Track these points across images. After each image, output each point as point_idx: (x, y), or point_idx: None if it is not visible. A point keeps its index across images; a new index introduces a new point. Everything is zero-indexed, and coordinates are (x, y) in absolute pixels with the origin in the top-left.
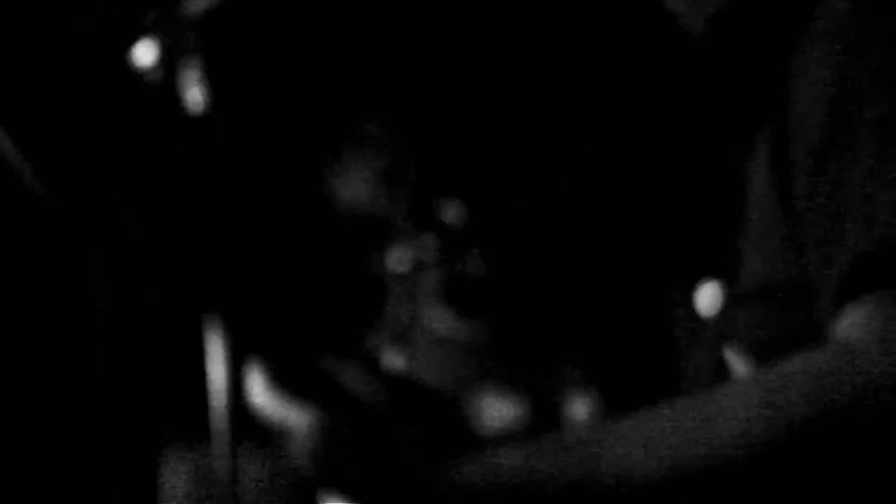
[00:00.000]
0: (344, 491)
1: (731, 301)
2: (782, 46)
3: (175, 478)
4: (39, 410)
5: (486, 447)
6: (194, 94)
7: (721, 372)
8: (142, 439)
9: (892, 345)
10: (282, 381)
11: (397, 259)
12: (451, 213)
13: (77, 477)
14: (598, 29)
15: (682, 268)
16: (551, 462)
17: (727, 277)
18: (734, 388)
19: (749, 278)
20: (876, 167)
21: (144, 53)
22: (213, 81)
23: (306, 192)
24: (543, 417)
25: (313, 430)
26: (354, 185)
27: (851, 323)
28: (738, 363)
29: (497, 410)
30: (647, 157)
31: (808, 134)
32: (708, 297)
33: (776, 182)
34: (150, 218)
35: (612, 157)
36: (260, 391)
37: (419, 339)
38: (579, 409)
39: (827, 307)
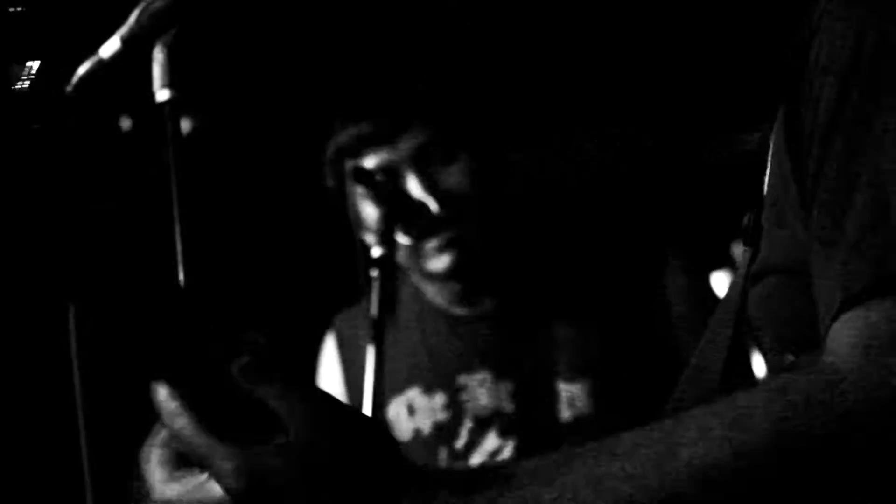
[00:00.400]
0: None
1: (748, 279)
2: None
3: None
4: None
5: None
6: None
7: (736, 354)
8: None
9: (872, 374)
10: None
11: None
12: (451, 180)
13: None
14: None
15: (696, 247)
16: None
17: (748, 251)
18: (697, 415)
19: (767, 255)
20: (878, 145)
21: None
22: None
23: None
24: (536, 400)
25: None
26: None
27: (839, 342)
28: (753, 347)
29: (489, 391)
30: (660, 133)
31: (818, 110)
32: (722, 278)
33: (792, 154)
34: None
35: (622, 130)
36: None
37: (410, 313)
38: (573, 392)
39: (823, 320)
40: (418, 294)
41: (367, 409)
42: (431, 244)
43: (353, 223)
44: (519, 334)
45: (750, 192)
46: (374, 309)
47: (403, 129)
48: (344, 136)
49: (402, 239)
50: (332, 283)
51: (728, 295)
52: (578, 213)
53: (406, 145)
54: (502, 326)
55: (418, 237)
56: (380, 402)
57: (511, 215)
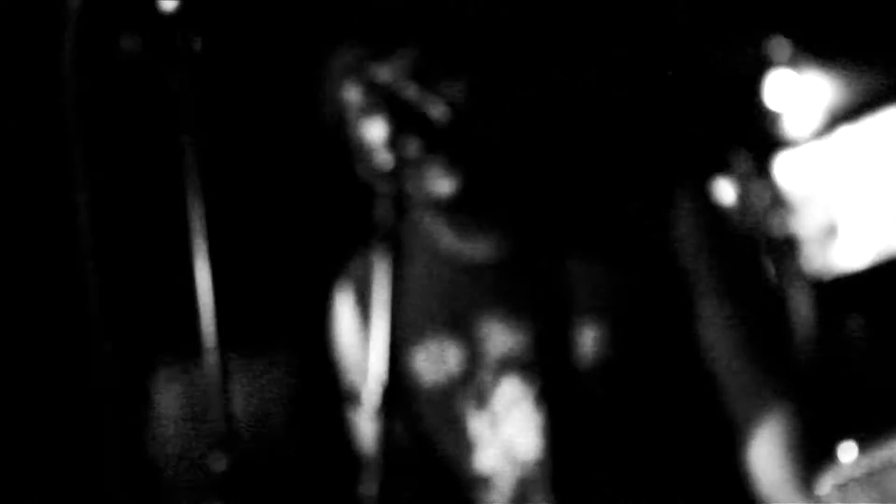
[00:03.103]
0: None
1: None
2: None
3: (168, 398)
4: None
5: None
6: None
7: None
8: (134, 366)
9: None
10: None
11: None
12: (452, 94)
13: (73, 402)
14: None
15: (699, 158)
16: None
17: None
18: None
19: None
20: None
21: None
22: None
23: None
24: (556, 344)
25: None
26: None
27: None
28: None
29: (504, 336)
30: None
31: None
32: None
33: None
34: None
35: (622, 50)
36: None
37: (423, 261)
38: (594, 334)
39: None
40: (430, 241)
41: (380, 359)
42: (437, 164)
43: (356, 151)
44: (534, 277)
45: (747, 101)
46: (383, 225)
47: (401, 43)
48: (340, 59)
49: (412, 150)
50: (344, 229)
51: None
52: (585, 137)
53: (403, 61)
54: (517, 269)
55: (429, 146)
56: (396, 353)
57: (517, 137)
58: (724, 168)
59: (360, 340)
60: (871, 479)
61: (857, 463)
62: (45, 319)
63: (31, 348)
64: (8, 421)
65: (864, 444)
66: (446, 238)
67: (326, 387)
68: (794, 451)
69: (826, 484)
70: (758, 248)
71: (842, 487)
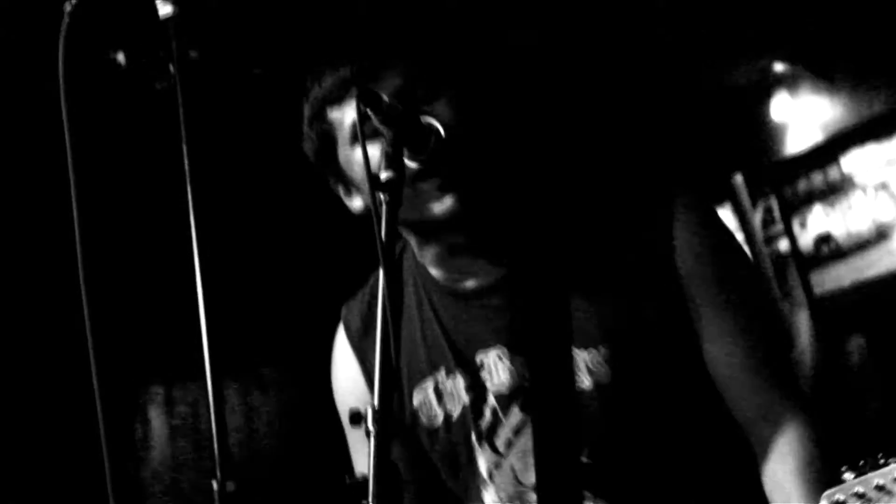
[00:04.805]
0: None
1: None
2: None
3: (160, 419)
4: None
5: None
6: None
7: None
8: (127, 386)
9: None
10: None
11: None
12: (437, 117)
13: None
14: None
15: (699, 182)
16: None
17: None
18: None
19: None
20: None
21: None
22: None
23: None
24: (554, 371)
25: None
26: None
27: None
28: None
29: (507, 366)
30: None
31: None
32: (727, 212)
33: None
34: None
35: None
36: None
37: (419, 296)
38: (591, 359)
39: None
40: (424, 274)
41: (377, 383)
42: (429, 184)
43: (344, 174)
44: (530, 304)
45: (749, 122)
46: (383, 235)
47: (384, 68)
48: (323, 85)
49: (411, 162)
50: (337, 272)
51: None
52: (578, 159)
53: (389, 82)
54: (512, 297)
55: (427, 162)
56: (396, 378)
57: (506, 157)
58: (726, 187)
59: (361, 373)
60: (868, 498)
61: (856, 483)
62: (37, 336)
63: (24, 365)
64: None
65: (863, 464)
66: (438, 268)
67: (322, 412)
68: (810, 467)
69: (826, 502)
70: (760, 266)
71: None
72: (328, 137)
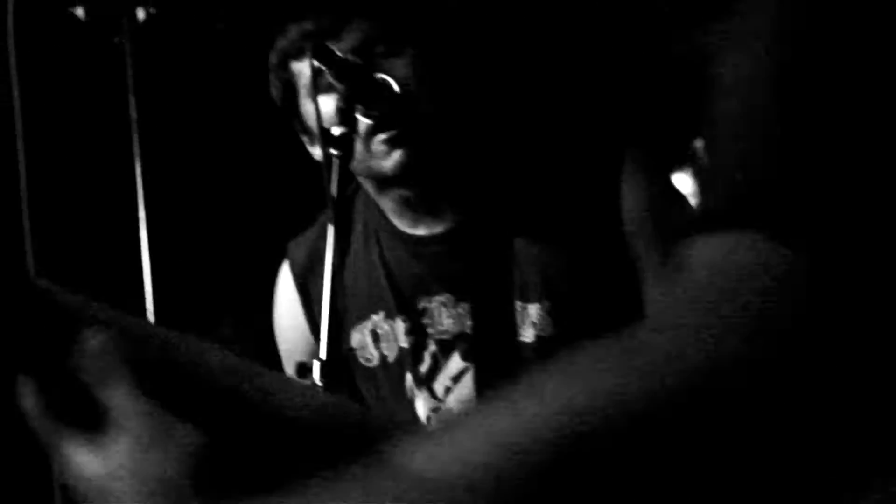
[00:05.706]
0: None
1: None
2: None
3: None
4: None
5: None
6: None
7: None
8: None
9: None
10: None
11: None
12: (396, 73)
13: None
14: None
15: (657, 145)
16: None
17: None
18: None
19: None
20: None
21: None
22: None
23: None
24: (497, 321)
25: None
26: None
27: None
28: None
29: (450, 313)
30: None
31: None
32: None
33: None
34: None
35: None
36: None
37: (368, 237)
38: (535, 312)
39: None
40: (376, 217)
41: (324, 336)
42: (381, 139)
43: (305, 124)
44: (478, 254)
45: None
46: (333, 189)
47: (346, 22)
48: (286, 38)
49: (363, 118)
50: (284, 208)
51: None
52: (535, 117)
53: (350, 38)
54: (460, 247)
55: (379, 119)
56: (341, 329)
57: (462, 115)
58: (688, 152)
59: (304, 314)
60: None
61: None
62: None
63: None
64: None
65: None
66: (393, 216)
67: (269, 362)
68: None
69: None
70: None
71: None
72: (291, 87)
